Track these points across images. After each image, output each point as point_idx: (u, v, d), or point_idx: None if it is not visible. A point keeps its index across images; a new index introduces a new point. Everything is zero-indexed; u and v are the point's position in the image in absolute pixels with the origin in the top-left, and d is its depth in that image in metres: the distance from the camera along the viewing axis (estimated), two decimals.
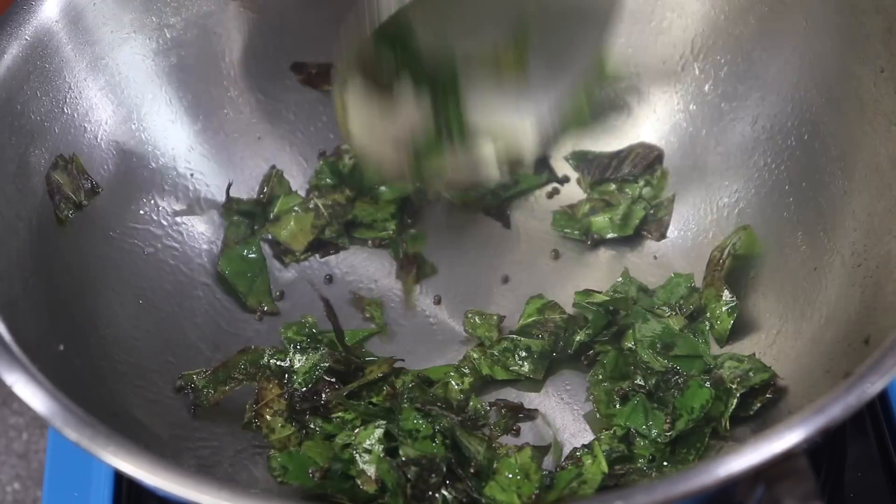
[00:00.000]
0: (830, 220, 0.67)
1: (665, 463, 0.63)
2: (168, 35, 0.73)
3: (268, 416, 0.66)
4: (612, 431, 0.65)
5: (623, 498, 0.45)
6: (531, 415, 0.68)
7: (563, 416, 0.68)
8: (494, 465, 0.62)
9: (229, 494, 0.47)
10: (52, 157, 0.66)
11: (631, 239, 0.77)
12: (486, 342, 0.70)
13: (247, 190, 0.77)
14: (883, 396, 0.69)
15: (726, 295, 0.69)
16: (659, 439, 0.64)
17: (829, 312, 0.64)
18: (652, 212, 0.76)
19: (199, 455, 0.64)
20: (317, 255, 0.77)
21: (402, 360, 0.70)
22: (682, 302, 0.71)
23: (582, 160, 0.79)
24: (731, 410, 0.64)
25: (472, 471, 0.62)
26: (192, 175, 0.75)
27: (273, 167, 0.77)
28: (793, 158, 0.71)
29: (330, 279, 0.76)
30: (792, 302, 0.67)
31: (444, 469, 0.60)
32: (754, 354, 0.67)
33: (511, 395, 0.69)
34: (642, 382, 0.67)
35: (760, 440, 0.46)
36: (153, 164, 0.73)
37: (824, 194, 0.68)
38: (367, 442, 0.63)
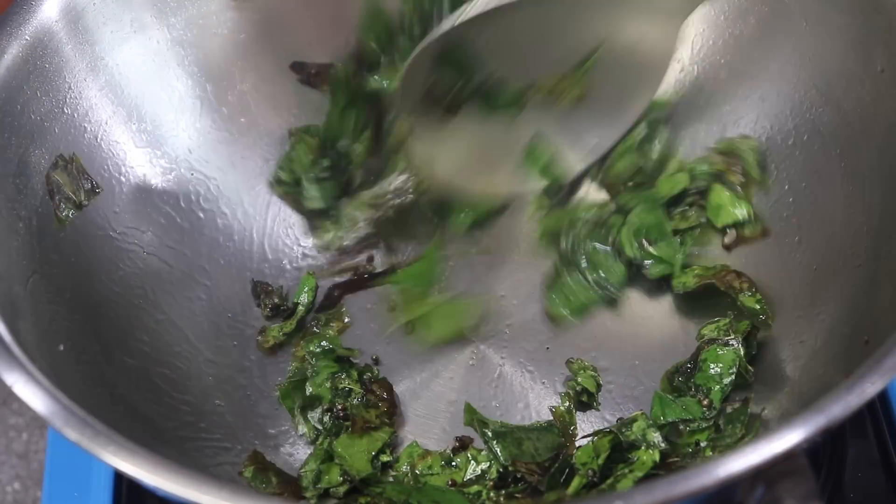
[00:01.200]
0: (830, 221, 0.67)
1: (715, 443, 0.63)
2: (168, 35, 0.73)
3: None
4: (645, 420, 0.64)
5: (623, 498, 0.45)
6: None
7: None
8: None
9: (229, 494, 0.47)
10: (52, 157, 0.66)
11: None
12: None
13: (247, 187, 0.77)
14: (883, 396, 0.69)
15: None
16: (706, 417, 0.64)
17: (828, 312, 0.64)
18: None
19: (200, 455, 0.64)
20: None
21: None
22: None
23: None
24: (743, 357, 0.65)
25: None
26: (192, 175, 0.75)
27: None
28: (793, 158, 0.71)
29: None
30: (791, 302, 0.68)
31: None
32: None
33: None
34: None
35: (760, 440, 0.46)
36: (153, 164, 0.73)
37: (824, 194, 0.68)
38: None
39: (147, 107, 0.73)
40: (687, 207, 0.73)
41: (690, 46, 0.75)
